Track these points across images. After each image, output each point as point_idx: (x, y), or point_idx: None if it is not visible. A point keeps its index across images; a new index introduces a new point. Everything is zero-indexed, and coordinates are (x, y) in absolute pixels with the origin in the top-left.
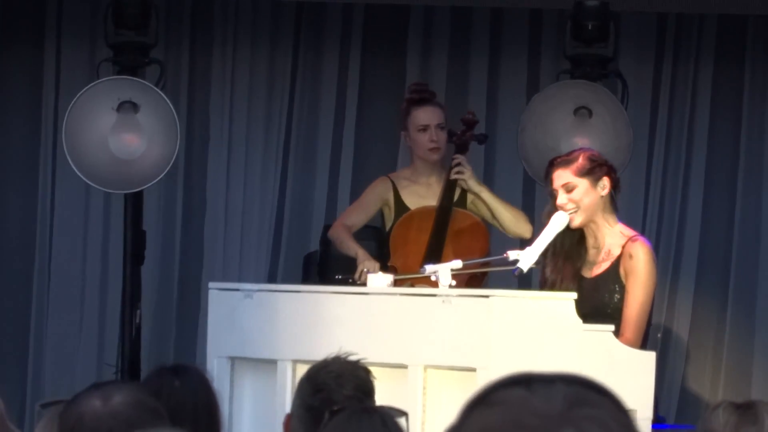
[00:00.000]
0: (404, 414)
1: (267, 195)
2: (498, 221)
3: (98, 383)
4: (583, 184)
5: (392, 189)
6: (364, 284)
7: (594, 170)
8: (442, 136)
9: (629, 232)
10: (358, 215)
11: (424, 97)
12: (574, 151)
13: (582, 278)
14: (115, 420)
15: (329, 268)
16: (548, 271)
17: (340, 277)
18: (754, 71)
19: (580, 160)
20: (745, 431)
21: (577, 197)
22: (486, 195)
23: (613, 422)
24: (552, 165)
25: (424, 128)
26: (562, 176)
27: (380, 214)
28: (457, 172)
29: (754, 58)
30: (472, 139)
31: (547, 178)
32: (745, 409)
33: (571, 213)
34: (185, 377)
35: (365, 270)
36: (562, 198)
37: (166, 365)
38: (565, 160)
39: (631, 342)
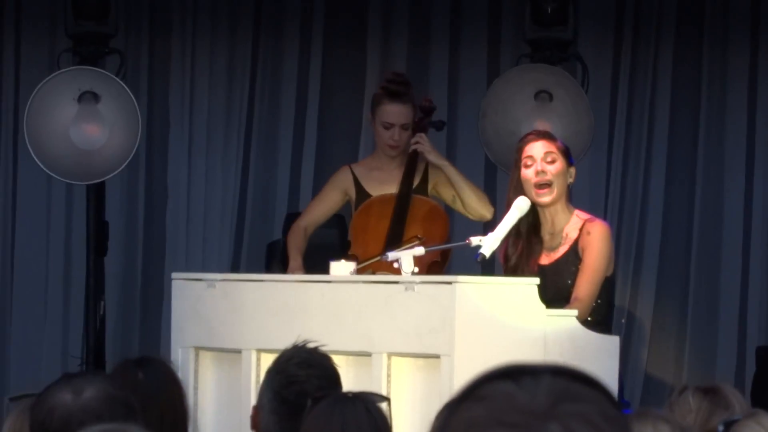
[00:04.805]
0: (386, 399)
1: (229, 184)
2: (461, 200)
3: (69, 375)
4: (561, 161)
5: (352, 178)
6: None
7: (569, 155)
8: (405, 136)
9: (585, 215)
10: (316, 211)
11: (397, 92)
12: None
13: (540, 265)
14: (86, 414)
15: None
16: (511, 255)
17: None
18: (712, 54)
19: (560, 142)
20: (719, 416)
21: (555, 171)
22: (450, 170)
23: (600, 417)
24: (531, 134)
25: (389, 126)
26: (546, 145)
27: (348, 204)
28: (416, 143)
29: (713, 41)
30: (429, 126)
31: (525, 144)
32: (714, 394)
33: (544, 187)
34: (149, 369)
35: None
36: (543, 165)
37: (131, 358)
38: (548, 134)
39: (580, 311)
